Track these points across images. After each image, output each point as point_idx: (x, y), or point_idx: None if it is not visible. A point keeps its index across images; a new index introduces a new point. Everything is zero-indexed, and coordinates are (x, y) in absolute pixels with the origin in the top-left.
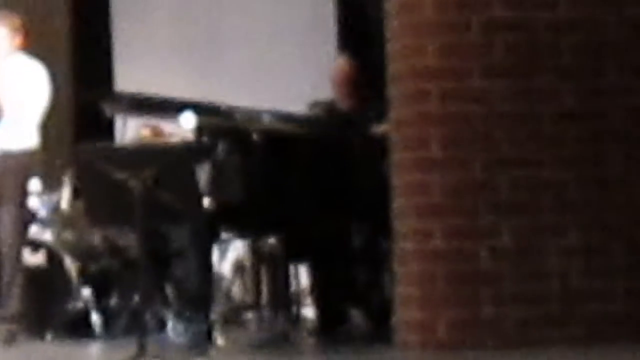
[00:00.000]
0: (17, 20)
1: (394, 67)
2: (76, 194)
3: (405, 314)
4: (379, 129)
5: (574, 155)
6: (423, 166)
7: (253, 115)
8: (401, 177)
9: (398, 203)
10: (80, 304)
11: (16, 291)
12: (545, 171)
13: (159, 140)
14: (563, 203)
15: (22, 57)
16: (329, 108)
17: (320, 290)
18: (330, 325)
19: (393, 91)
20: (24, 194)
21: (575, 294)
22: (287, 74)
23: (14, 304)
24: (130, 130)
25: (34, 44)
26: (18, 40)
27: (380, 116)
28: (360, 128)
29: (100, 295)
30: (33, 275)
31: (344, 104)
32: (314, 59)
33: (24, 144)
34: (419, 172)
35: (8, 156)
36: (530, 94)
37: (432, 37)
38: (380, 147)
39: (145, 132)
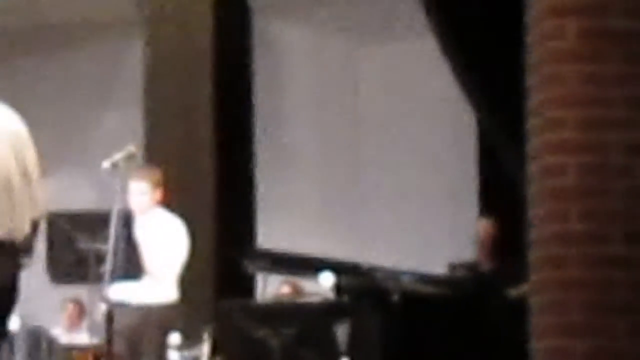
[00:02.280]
0: (157, 175)
1: (536, 232)
2: (215, 349)
3: None
4: (517, 291)
5: None
6: (563, 332)
7: (393, 276)
8: (540, 341)
9: None
10: None
11: None
12: None
13: (299, 298)
14: None
15: (161, 211)
16: (471, 269)
17: None
18: None
19: (533, 255)
20: (164, 348)
21: None
22: (428, 234)
23: None
24: (270, 287)
25: (176, 199)
26: (158, 194)
27: (521, 278)
28: (499, 290)
29: None
30: None
31: (485, 265)
32: (455, 220)
33: (164, 299)
34: (559, 337)
35: (149, 310)
36: None
37: (575, 202)
38: (518, 309)
39: (286, 290)
